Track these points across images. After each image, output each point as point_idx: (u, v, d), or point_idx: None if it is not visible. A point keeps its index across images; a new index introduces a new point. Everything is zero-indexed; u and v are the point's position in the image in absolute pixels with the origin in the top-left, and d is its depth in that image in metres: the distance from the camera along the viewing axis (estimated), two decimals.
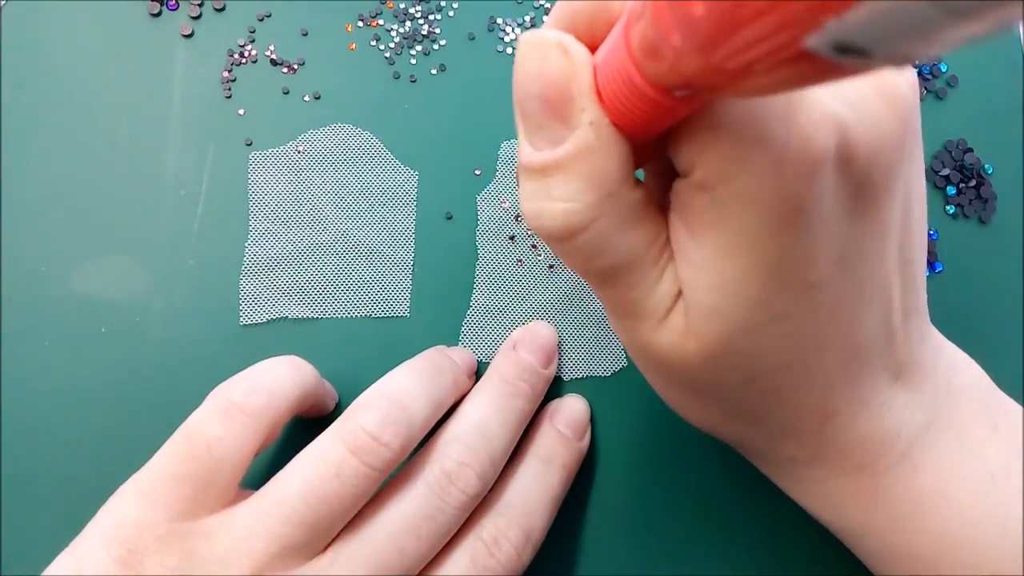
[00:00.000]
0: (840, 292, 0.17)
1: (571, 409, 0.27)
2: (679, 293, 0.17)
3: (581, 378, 0.28)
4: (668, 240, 0.17)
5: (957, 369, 0.21)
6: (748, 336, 0.17)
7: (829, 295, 0.17)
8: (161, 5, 0.29)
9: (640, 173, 0.20)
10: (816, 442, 0.20)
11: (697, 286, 0.16)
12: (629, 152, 0.16)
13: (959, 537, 0.19)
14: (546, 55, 0.15)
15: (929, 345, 0.20)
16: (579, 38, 0.16)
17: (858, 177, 0.16)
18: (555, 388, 0.28)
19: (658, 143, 0.17)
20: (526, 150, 0.16)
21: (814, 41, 0.09)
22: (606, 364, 0.28)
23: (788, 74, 0.11)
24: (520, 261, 0.29)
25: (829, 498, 0.21)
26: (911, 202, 0.18)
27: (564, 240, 0.17)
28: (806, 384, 0.18)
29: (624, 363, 0.28)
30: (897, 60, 0.09)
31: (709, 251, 0.16)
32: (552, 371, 0.27)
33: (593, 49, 0.16)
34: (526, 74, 0.16)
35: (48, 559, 0.20)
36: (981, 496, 0.19)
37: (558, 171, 0.16)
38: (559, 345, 0.28)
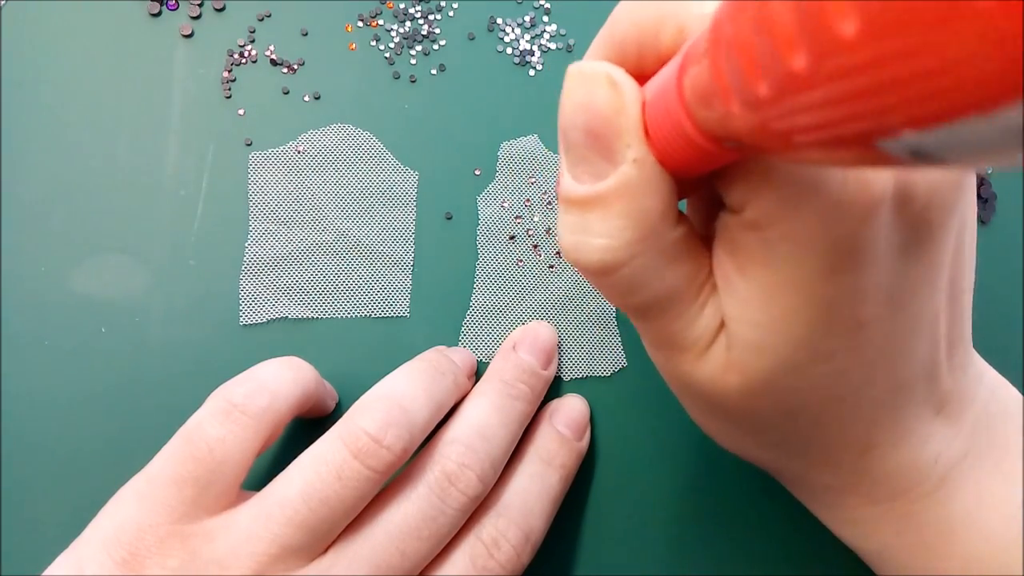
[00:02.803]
0: (889, 330, 0.16)
1: (571, 409, 0.27)
2: (721, 325, 0.17)
3: (581, 378, 0.28)
4: (710, 273, 0.17)
5: (996, 395, 0.21)
6: (792, 374, 0.16)
7: (878, 334, 0.16)
8: (161, 5, 0.29)
9: (683, 204, 0.19)
10: (853, 472, 0.19)
11: (742, 321, 0.16)
12: (673, 191, 0.16)
13: (987, 563, 0.19)
14: (594, 87, 0.15)
15: (971, 373, 0.20)
16: (626, 69, 0.15)
17: (914, 217, 0.15)
18: (555, 388, 0.28)
19: (705, 176, 0.16)
20: (567, 181, 0.16)
21: (890, 145, 0.09)
22: (606, 364, 0.28)
23: (848, 157, 0.10)
24: (520, 261, 0.29)
25: (860, 523, 0.21)
26: (964, 235, 0.18)
27: (601, 276, 0.16)
28: (848, 419, 0.18)
29: (624, 363, 0.28)
30: (970, 167, 0.09)
31: (757, 288, 0.16)
32: (552, 372, 0.27)
33: (639, 79, 0.15)
34: (572, 104, 0.15)
35: (48, 559, 0.21)
36: (1012, 523, 0.19)
37: (598, 206, 0.15)
38: (559, 345, 0.28)
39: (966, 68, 0.07)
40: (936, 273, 0.17)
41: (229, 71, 0.29)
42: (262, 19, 0.29)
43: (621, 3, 0.17)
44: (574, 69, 0.15)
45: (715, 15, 0.11)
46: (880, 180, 0.14)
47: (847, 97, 0.09)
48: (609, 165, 0.15)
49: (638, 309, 0.17)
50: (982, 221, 0.31)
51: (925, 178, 0.15)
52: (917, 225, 0.16)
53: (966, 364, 0.20)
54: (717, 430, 0.21)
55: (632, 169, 0.15)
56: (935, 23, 0.07)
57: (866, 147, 0.09)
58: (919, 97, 0.08)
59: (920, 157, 0.09)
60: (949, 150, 0.08)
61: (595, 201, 0.15)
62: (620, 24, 0.16)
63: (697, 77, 0.12)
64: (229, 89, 0.29)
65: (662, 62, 0.15)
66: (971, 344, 0.20)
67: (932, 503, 0.19)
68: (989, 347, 0.29)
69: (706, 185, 0.17)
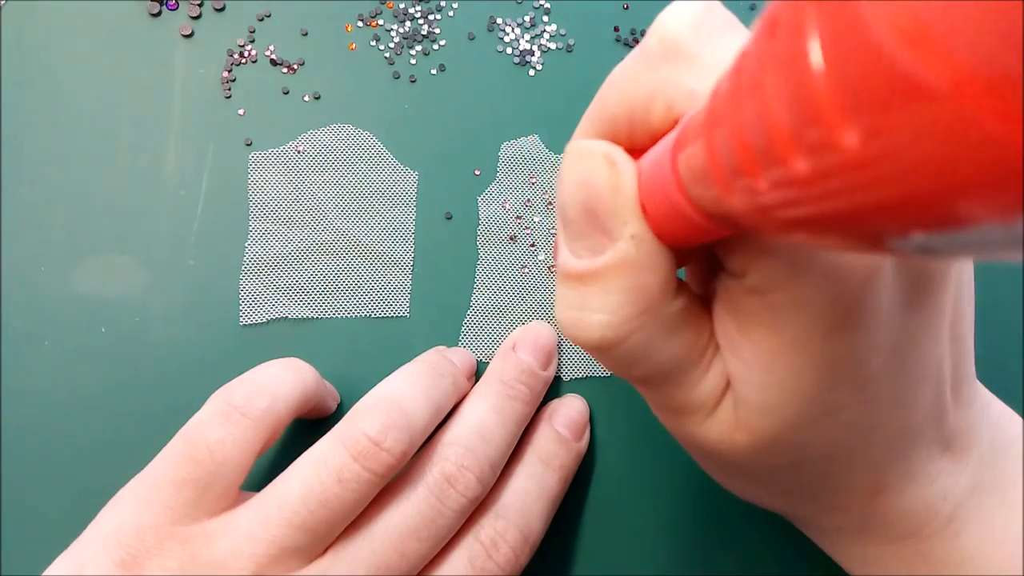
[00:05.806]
0: (895, 381, 0.16)
1: (570, 409, 0.27)
2: (727, 385, 0.17)
3: (581, 378, 0.28)
4: (712, 336, 0.17)
5: (1001, 426, 0.21)
6: (799, 430, 0.16)
7: (883, 386, 0.16)
8: (161, 5, 0.29)
9: (682, 272, 0.19)
10: (863, 515, 0.19)
11: (748, 382, 0.16)
12: (672, 264, 0.15)
13: None
14: (593, 166, 0.15)
15: (976, 407, 0.20)
16: (618, 143, 0.15)
17: (915, 272, 0.16)
18: (555, 388, 0.28)
19: (703, 245, 0.16)
20: (565, 256, 0.16)
21: (897, 243, 0.09)
22: None
23: (848, 247, 0.10)
24: (524, 268, 0.29)
25: (871, 562, 0.21)
26: (962, 280, 0.18)
27: (601, 352, 0.16)
28: (857, 466, 0.18)
29: None
30: (980, 259, 0.09)
31: (761, 349, 0.16)
32: (551, 373, 0.27)
33: (632, 153, 0.15)
34: (571, 182, 0.16)
35: (48, 560, 0.21)
36: (1020, 557, 0.19)
37: (596, 282, 0.15)
38: (559, 345, 0.28)
39: (978, 181, 0.07)
40: (938, 321, 0.17)
41: (229, 71, 0.29)
42: (262, 19, 0.29)
43: (609, 78, 0.17)
44: (573, 148, 0.16)
45: (711, 97, 0.11)
46: None
47: (852, 200, 0.08)
48: (607, 241, 0.15)
49: (641, 380, 0.17)
50: None
51: None
52: (918, 280, 0.16)
53: (971, 399, 0.19)
54: (728, 482, 0.21)
55: (630, 245, 0.15)
56: (945, 138, 0.07)
57: (871, 243, 0.09)
58: (932, 206, 0.07)
59: (926, 252, 0.09)
60: (959, 248, 0.08)
61: (593, 276, 0.15)
62: (609, 101, 0.16)
63: (692, 156, 0.12)
64: (229, 89, 0.29)
65: (654, 137, 0.15)
66: (975, 379, 0.20)
67: (941, 540, 0.19)
68: (989, 348, 0.29)
69: (704, 249, 0.17)
